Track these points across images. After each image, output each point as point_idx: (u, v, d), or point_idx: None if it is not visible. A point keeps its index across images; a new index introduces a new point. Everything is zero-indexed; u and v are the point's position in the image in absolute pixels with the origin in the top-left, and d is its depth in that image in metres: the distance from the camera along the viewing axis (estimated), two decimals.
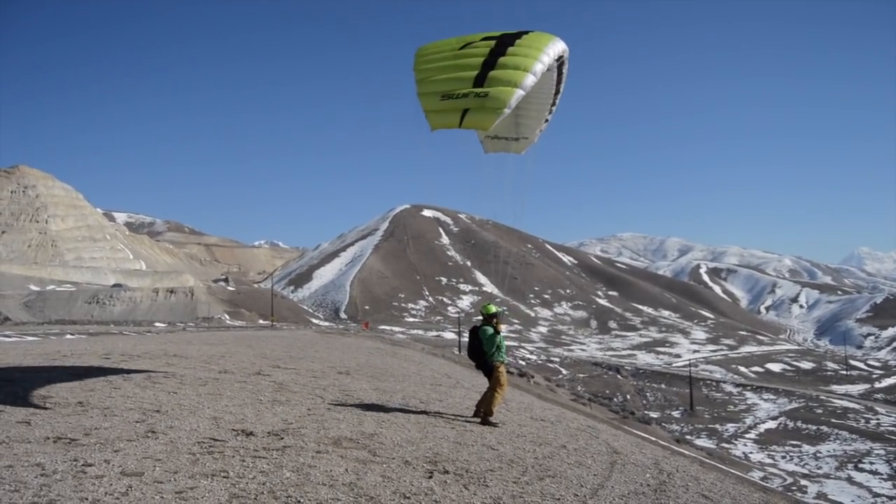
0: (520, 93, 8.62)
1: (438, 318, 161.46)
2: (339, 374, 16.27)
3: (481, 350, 10.49)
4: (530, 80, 8.81)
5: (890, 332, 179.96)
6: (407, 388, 15.13)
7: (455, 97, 8.61)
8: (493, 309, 10.73)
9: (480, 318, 10.83)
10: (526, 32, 9.64)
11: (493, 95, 8.49)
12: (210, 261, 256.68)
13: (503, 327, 10.81)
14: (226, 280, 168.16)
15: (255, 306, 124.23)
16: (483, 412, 10.53)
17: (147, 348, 19.68)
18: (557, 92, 10.46)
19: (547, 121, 10.79)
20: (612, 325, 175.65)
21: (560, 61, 9.55)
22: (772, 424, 72.24)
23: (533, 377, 41.88)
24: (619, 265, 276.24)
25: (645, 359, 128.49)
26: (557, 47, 9.43)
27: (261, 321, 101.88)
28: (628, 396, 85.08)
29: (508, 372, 13.69)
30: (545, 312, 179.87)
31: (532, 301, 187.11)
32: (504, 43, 9.23)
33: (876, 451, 58.19)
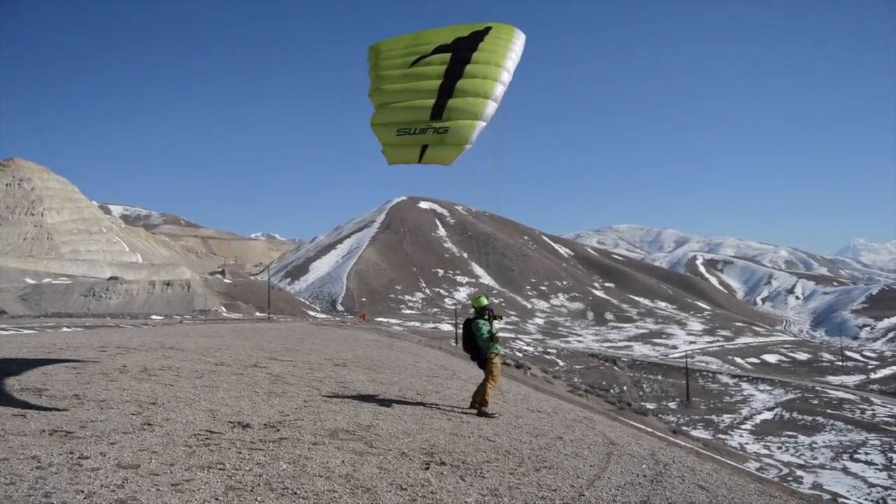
0: (481, 124, 8.11)
1: (435, 309, 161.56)
2: (336, 366, 16.26)
3: (475, 343, 10.50)
4: (491, 107, 8.24)
5: (885, 323, 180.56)
6: (403, 379, 15.14)
7: (413, 133, 8.09)
8: (485, 301, 10.72)
9: (473, 310, 10.83)
10: (484, 32, 8.97)
11: (453, 131, 7.98)
12: (206, 253, 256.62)
13: (498, 323, 10.77)
14: (222, 272, 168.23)
15: (251, 299, 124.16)
16: (478, 403, 10.54)
17: (143, 341, 19.66)
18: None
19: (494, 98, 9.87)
20: (609, 316, 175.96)
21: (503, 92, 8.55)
22: (768, 415, 72.51)
23: (529, 368, 41.93)
24: (615, 257, 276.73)
25: (641, 350, 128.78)
26: (518, 45, 8.82)
27: (257, 313, 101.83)
28: (625, 388, 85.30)
29: (505, 363, 13.60)
30: (542, 304, 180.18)
31: (529, 292, 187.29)
32: (460, 59, 8.55)
33: (871, 442, 58.46)
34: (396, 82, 8.75)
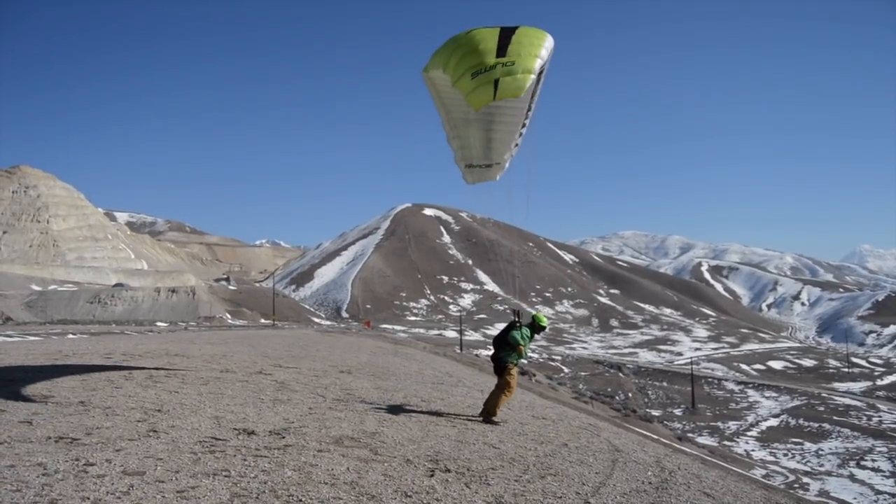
0: (539, 62, 8.87)
1: (440, 316, 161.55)
2: (341, 373, 16.27)
3: (505, 341, 10.47)
4: (546, 49, 9.10)
5: (892, 329, 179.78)
6: (408, 386, 15.13)
7: (484, 71, 8.78)
8: (545, 322, 10.84)
9: (516, 319, 10.81)
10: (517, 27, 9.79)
11: (518, 62, 8.76)
12: (211, 260, 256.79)
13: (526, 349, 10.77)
14: (227, 279, 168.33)
15: (256, 305, 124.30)
16: (486, 411, 10.53)
17: (149, 348, 19.70)
18: (530, 109, 10.35)
19: (517, 145, 10.70)
20: (614, 323, 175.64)
21: (542, 68, 9.39)
22: (774, 422, 72.17)
23: (534, 375, 41.89)
24: (620, 263, 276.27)
25: (646, 357, 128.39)
26: (550, 41, 9.45)
27: (262, 320, 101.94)
28: (630, 394, 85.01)
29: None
30: (546, 310, 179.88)
31: (533, 299, 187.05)
32: (506, 28, 9.39)
33: (878, 449, 58.13)
34: (460, 49, 9.40)
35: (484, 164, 10.78)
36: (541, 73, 9.40)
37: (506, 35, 9.10)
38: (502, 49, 8.89)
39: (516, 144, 10.63)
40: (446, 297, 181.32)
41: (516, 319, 10.65)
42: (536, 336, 10.89)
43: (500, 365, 10.49)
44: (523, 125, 10.50)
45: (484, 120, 10.35)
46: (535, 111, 10.46)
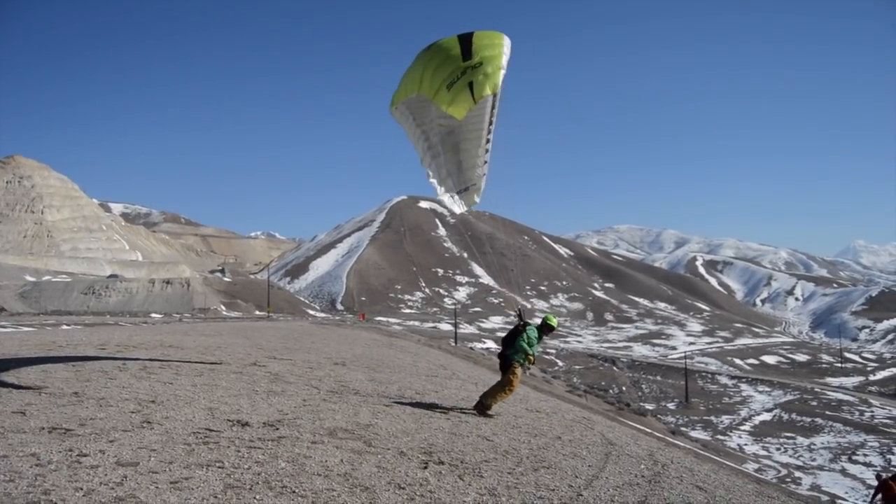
0: (504, 58, 9.07)
1: (435, 309, 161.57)
2: (335, 365, 16.28)
3: (512, 341, 10.49)
4: (506, 47, 9.26)
5: (885, 324, 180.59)
6: (403, 379, 15.15)
7: (457, 79, 8.94)
8: (555, 322, 10.91)
9: (538, 320, 10.88)
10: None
11: (485, 61, 8.93)
12: (206, 252, 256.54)
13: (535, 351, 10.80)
14: (222, 271, 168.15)
15: (251, 297, 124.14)
16: (482, 402, 10.53)
17: (143, 339, 19.68)
18: (491, 123, 10.31)
19: (486, 162, 10.68)
20: (609, 316, 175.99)
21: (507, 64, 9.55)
22: (766, 416, 72.45)
23: (528, 368, 41.91)
24: (615, 257, 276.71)
25: (641, 351, 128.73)
26: (507, 39, 9.58)
27: (257, 312, 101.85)
28: (624, 388, 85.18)
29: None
30: (541, 304, 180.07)
31: (528, 293, 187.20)
32: (465, 34, 9.52)
33: (870, 444, 58.42)
34: (427, 65, 9.60)
35: (462, 189, 10.84)
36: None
37: (465, 40, 9.24)
38: (467, 52, 9.04)
39: (485, 161, 10.55)
40: (441, 290, 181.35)
41: (521, 321, 10.68)
42: (545, 338, 10.93)
43: (506, 363, 10.52)
44: (487, 140, 10.43)
45: (452, 141, 10.50)
46: (497, 125, 10.37)
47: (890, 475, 19.97)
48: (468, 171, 10.69)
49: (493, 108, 9.90)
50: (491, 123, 10.21)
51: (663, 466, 8.78)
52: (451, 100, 8.99)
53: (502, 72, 8.88)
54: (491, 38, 9.27)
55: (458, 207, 10.96)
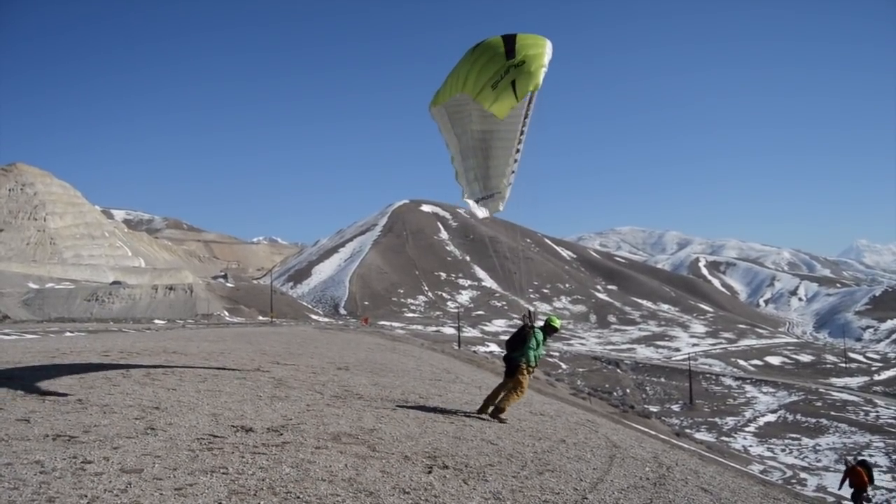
0: (546, 57, 9.13)
1: (438, 313, 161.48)
2: (339, 370, 16.27)
3: (519, 345, 10.50)
4: (549, 48, 9.29)
5: (889, 324, 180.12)
6: (406, 383, 15.14)
7: (501, 78, 9.04)
8: (558, 324, 10.99)
9: (541, 322, 10.92)
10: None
11: (528, 60, 9.01)
12: (209, 257, 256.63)
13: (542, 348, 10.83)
14: (225, 277, 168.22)
15: (254, 303, 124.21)
16: (496, 407, 10.52)
17: (146, 345, 19.68)
18: (522, 133, 10.50)
19: (514, 171, 10.86)
20: (612, 319, 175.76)
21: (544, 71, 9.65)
22: (771, 417, 72.31)
23: (532, 371, 41.86)
24: (617, 259, 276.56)
25: (644, 353, 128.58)
26: (549, 43, 9.61)
27: (260, 317, 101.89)
28: (628, 390, 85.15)
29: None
30: (544, 307, 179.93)
31: (531, 295, 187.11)
32: (507, 35, 9.58)
33: (875, 444, 58.25)
34: (468, 67, 9.68)
35: (486, 196, 11.00)
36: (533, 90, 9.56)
37: (510, 40, 9.32)
38: (510, 52, 9.12)
39: (513, 171, 10.76)
40: (444, 294, 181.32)
41: (528, 323, 10.68)
42: (548, 340, 10.95)
43: (513, 364, 10.51)
44: (517, 150, 10.61)
45: (483, 147, 10.63)
46: (528, 135, 10.55)
47: (857, 461, 20.13)
48: (495, 178, 10.89)
49: (525, 117, 10.09)
50: (522, 133, 10.37)
51: (668, 469, 8.77)
52: (494, 98, 9.13)
53: (544, 69, 8.97)
54: (535, 39, 9.37)
55: (482, 212, 11.13)
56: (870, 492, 19.90)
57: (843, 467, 20.88)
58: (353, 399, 11.20)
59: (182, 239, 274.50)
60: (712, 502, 7.23)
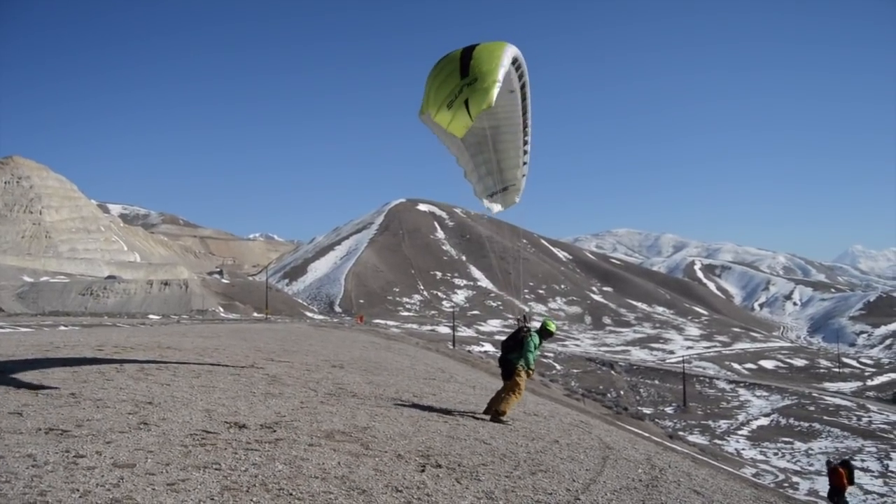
0: (502, 70, 8.94)
1: (433, 312, 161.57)
2: (333, 368, 16.26)
3: (515, 349, 10.52)
4: (506, 57, 9.12)
5: (883, 330, 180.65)
6: (400, 381, 15.14)
7: (455, 97, 8.91)
8: (553, 327, 10.98)
9: (537, 325, 10.94)
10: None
11: (480, 77, 8.83)
12: (205, 253, 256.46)
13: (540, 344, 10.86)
14: (220, 273, 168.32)
15: (249, 299, 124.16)
16: (496, 410, 10.52)
17: (140, 340, 19.65)
18: (525, 125, 10.47)
19: (525, 162, 10.84)
20: (607, 320, 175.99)
21: (517, 65, 9.64)
22: (764, 421, 72.47)
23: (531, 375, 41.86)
24: (613, 261, 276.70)
25: (639, 355, 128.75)
26: (510, 50, 9.52)
27: (255, 314, 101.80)
28: (622, 392, 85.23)
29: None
30: (539, 307, 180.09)
31: (527, 296, 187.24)
32: (467, 47, 9.47)
33: (867, 449, 58.44)
34: (429, 81, 9.56)
35: (500, 189, 10.98)
36: (524, 86, 9.51)
37: (466, 55, 9.20)
38: (465, 69, 8.99)
39: (524, 162, 10.74)
40: (439, 293, 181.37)
41: (524, 326, 10.71)
42: (543, 343, 10.96)
43: (509, 367, 10.53)
44: (525, 142, 10.60)
45: (489, 142, 10.52)
46: (531, 125, 10.52)
47: (838, 461, 20.21)
48: (509, 170, 10.84)
49: (524, 111, 10.01)
50: (527, 126, 10.33)
51: (661, 471, 8.78)
52: (451, 118, 9.02)
53: (498, 85, 8.79)
54: (490, 52, 9.23)
55: (497, 207, 11.07)
56: (847, 494, 19.97)
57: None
58: (346, 397, 11.20)
59: (178, 234, 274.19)
60: None
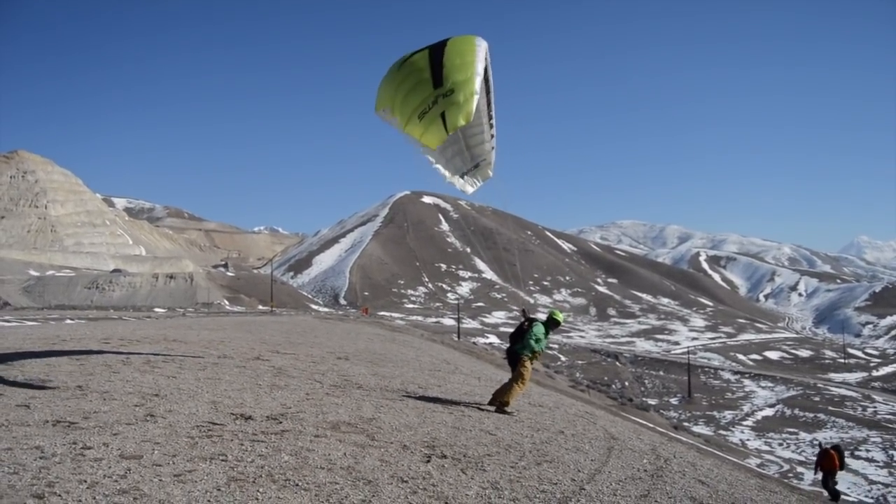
0: (478, 79, 8.75)
1: (438, 304, 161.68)
2: (338, 360, 16.29)
3: (520, 338, 10.55)
4: (480, 62, 8.92)
5: (888, 320, 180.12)
6: (406, 373, 15.16)
7: (429, 109, 8.69)
8: (561, 318, 10.99)
9: (543, 316, 10.96)
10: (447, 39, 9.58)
11: (457, 88, 8.61)
12: (210, 246, 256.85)
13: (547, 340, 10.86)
14: (225, 266, 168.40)
15: (254, 292, 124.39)
16: (500, 401, 10.55)
17: (146, 333, 19.71)
18: (489, 106, 10.22)
19: (493, 136, 10.55)
20: (611, 312, 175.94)
21: (483, 76, 9.25)
22: (769, 412, 72.49)
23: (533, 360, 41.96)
24: (618, 252, 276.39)
25: (643, 346, 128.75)
26: (481, 48, 9.28)
27: (260, 307, 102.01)
28: (626, 383, 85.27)
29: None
30: (544, 299, 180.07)
31: (531, 288, 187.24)
32: (437, 46, 9.22)
33: (872, 439, 58.42)
34: (399, 84, 9.26)
35: (472, 167, 10.64)
36: (486, 68, 9.24)
37: (436, 57, 8.92)
38: (438, 77, 8.72)
39: (492, 136, 10.46)
40: (444, 285, 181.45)
41: (524, 320, 10.74)
42: (551, 333, 10.97)
43: (515, 357, 10.56)
44: (490, 116, 10.33)
45: (455, 139, 10.23)
46: (495, 103, 10.27)
47: (830, 444, 20.30)
48: (476, 147, 10.51)
49: (488, 92, 9.77)
50: (489, 105, 10.09)
51: (666, 461, 8.79)
52: (423, 130, 8.79)
53: (476, 97, 8.60)
54: (463, 57, 8.91)
55: (471, 187, 10.73)
56: (837, 477, 20.09)
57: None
58: (352, 388, 11.22)
59: (183, 228, 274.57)
60: (709, 494, 7.24)
